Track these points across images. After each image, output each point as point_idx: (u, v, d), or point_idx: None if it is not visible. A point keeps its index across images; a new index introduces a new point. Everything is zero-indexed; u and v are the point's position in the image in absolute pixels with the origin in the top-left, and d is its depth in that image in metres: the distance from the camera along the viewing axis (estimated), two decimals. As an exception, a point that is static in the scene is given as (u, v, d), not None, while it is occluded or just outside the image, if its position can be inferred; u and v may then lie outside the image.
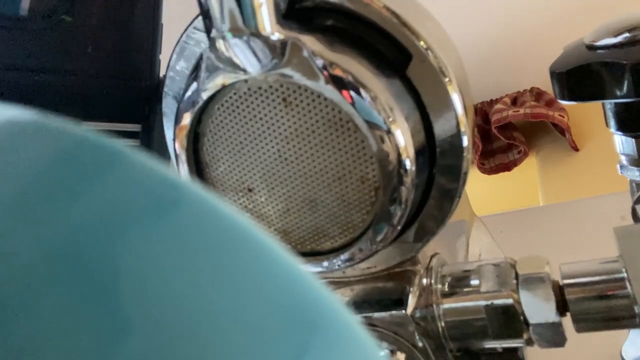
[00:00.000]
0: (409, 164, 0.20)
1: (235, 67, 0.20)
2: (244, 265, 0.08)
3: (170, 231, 0.08)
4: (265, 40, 0.18)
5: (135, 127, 0.36)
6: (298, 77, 0.19)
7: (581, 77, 0.26)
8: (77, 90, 0.33)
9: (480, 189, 1.15)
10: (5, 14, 0.29)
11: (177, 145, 0.23)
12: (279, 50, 0.19)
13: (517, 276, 0.24)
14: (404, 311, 0.24)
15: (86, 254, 0.07)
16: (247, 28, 0.18)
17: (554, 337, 0.23)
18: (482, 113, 1.10)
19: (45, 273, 0.07)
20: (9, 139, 0.08)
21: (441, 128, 0.22)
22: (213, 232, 0.08)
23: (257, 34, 0.18)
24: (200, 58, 0.20)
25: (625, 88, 0.25)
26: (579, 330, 0.23)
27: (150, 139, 0.36)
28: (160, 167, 0.08)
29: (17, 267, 0.07)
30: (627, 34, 0.26)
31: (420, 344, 0.25)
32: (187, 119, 0.22)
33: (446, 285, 0.25)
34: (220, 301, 0.07)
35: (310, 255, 0.24)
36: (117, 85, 0.34)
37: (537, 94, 1.05)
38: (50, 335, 0.07)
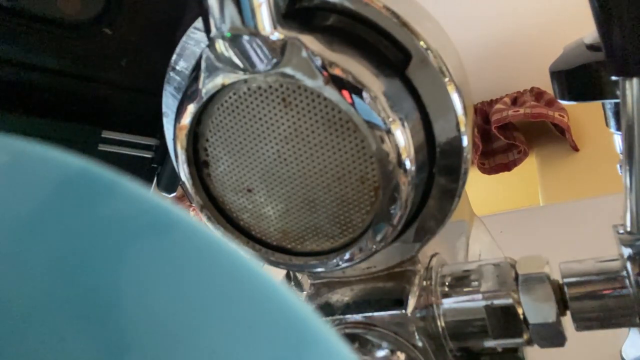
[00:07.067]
0: (408, 163, 0.20)
1: (234, 67, 0.20)
2: (234, 286, 0.08)
3: (165, 251, 0.08)
4: (265, 40, 0.18)
5: (152, 141, 0.37)
6: (297, 77, 0.19)
7: (581, 77, 0.26)
8: (104, 99, 0.34)
9: (480, 189, 1.15)
10: (48, 18, 0.30)
11: (177, 145, 0.23)
12: (278, 50, 0.19)
13: (517, 276, 0.24)
14: (404, 311, 0.24)
15: (90, 270, 0.08)
16: (246, 28, 0.18)
17: (554, 337, 0.23)
18: (482, 113, 1.10)
19: (53, 288, 0.08)
20: (19, 167, 0.09)
21: (441, 128, 0.22)
22: (204, 253, 0.08)
23: (256, 34, 0.18)
24: (200, 58, 0.20)
25: (625, 88, 0.25)
26: (578, 329, 0.23)
27: (165, 154, 0.37)
28: (154, 194, 0.09)
29: (27, 281, 0.08)
30: (626, 34, 0.26)
31: (420, 344, 0.25)
32: (187, 119, 0.22)
33: (446, 285, 0.25)
34: (213, 319, 0.08)
35: (310, 255, 0.24)
36: (143, 100, 0.35)
37: (537, 94, 1.05)
38: (54, 348, 0.07)
